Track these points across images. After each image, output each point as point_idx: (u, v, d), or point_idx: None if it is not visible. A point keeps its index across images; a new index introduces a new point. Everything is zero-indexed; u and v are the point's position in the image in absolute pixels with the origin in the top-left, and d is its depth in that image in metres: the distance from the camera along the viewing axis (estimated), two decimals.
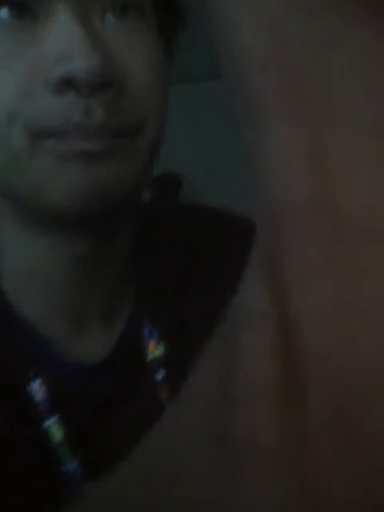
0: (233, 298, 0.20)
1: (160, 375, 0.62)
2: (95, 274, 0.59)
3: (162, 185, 1.97)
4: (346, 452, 0.16)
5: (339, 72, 0.15)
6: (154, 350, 0.62)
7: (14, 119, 0.51)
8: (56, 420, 0.57)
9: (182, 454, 0.20)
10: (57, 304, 0.59)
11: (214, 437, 0.19)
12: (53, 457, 0.57)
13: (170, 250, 0.66)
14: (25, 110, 0.51)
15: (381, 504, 0.15)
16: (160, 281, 0.64)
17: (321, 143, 0.15)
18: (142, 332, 0.62)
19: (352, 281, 0.15)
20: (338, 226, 0.15)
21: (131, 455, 0.23)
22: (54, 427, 0.57)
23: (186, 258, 0.66)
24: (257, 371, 0.18)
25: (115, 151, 0.52)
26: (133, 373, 0.61)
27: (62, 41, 0.50)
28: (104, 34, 0.52)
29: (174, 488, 0.19)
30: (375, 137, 0.14)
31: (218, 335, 0.20)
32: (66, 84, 0.49)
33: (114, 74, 0.51)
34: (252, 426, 0.18)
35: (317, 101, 0.15)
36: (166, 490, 0.19)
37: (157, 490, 0.20)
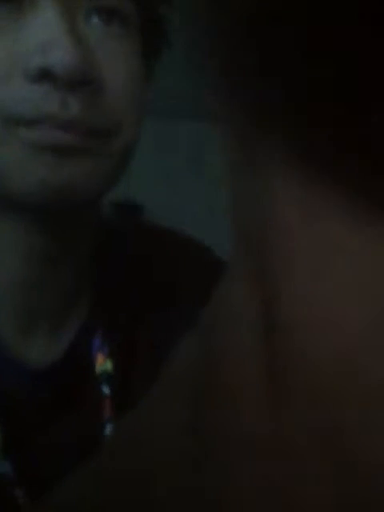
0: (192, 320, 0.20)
1: (106, 390, 0.62)
2: (50, 276, 0.59)
3: (124, 210, 1.97)
4: (332, 463, 0.16)
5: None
6: (103, 364, 0.62)
7: None
8: None
9: (155, 450, 0.19)
10: (7, 299, 0.59)
11: (188, 434, 0.18)
12: None
13: (129, 269, 0.67)
14: None
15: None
16: (115, 298, 0.65)
17: None
18: (92, 344, 0.62)
19: (344, 288, 0.15)
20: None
21: (100, 454, 0.22)
22: None
23: (144, 279, 0.67)
24: (237, 373, 0.17)
25: (87, 149, 0.52)
26: (79, 382, 0.61)
27: (44, 31, 0.50)
28: (87, 35, 0.53)
29: (148, 486, 0.19)
30: None
31: (195, 332, 0.20)
32: (44, 75, 0.50)
33: (92, 73, 0.52)
34: (228, 426, 0.17)
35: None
36: (138, 488, 0.19)
37: (129, 488, 0.19)
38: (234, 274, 0.18)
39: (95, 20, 0.54)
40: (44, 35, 0.50)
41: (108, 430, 0.62)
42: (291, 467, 0.16)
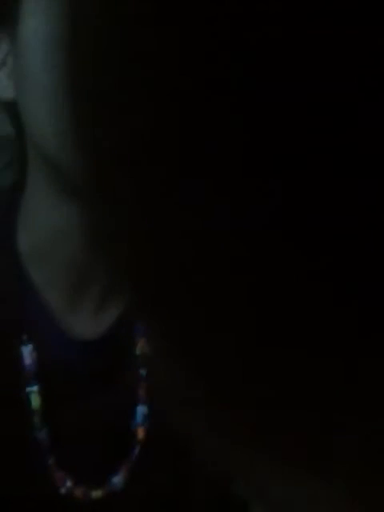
0: None
1: (144, 371, 0.65)
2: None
3: None
4: None
5: None
6: (143, 348, 0.65)
7: None
8: (38, 388, 0.60)
9: None
10: (63, 273, 0.62)
11: None
12: (28, 421, 0.60)
13: None
14: None
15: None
16: None
17: None
18: (133, 328, 0.65)
19: None
20: None
21: None
22: (34, 394, 0.60)
23: None
24: None
25: None
26: (119, 360, 0.64)
27: None
28: None
29: None
30: None
31: None
32: None
33: None
34: None
35: None
36: None
37: None
38: None
39: None
40: None
41: (140, 411, 0.65)
42: None
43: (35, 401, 0.60)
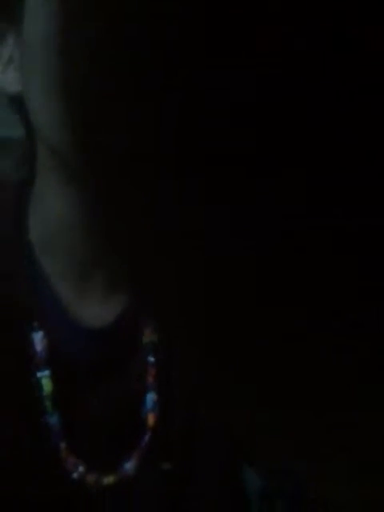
0: None
1: (151, 359, 0.66)
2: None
3: None
4: None
5: None
6: (150, 336, 0.66)
7: None
8: (49, 373, 0.61)
9: None
10: (72, 261, 0.63)
11: None
12: (40, 406, 0.61)
13: None
14: None
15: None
16: None
17: None
18: (140, 316, 0.66)
19: None
20: None
21: None
22: (45, 379, 0.61)
23: None
24: None
25: None
26: (127, 348, 0.65)
27: None
28: None
29: None
30: None
31: None
32: None
33: None
34: None
35: None
36: None
37: None
38: None
39: None
40: None
41: (149, 398, 0.65)
42: None
43: (47, 386, 0.61)
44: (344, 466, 0.14)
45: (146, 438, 0.66)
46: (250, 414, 0.15)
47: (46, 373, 0.61)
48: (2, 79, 0.60)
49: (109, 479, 0.65)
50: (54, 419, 0.62)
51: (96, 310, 0.65)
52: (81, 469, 0.63)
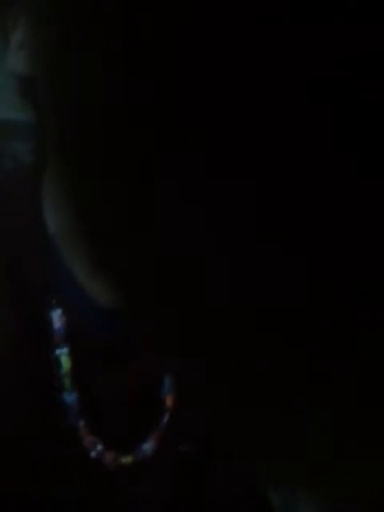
0: None
1: None
2: None
3: None
4: None
5: None
6: None
7: None
8: (67, 351, 0.62)
9: None
10: (83, 246, 0.63)
11: None
12: (58, 384, 0.62)
13: None
14: None
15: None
16: None
17: None
18: None
19: None
20: None
21: None
22: (64, 357, 0.62)
23: None
24: None
25: None
26: None
27: None
28: None
29: None
30: None
31: None
32: None
33: None
34: None
35: None
36: None
37: None
38: None
39: None
40: None
41: (167, 382, 0.66)
42: None
43: (65, 363, 0.62)
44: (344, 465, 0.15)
45: (165, 419, 0.66)
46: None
47: (65, 350, 0.62)
48: (14, 62, 0.60)
49: (127, 459, 0.65)
50: (72, 397, 0.62)
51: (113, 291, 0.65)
52: (99, 447, 0.64)
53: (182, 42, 0.11)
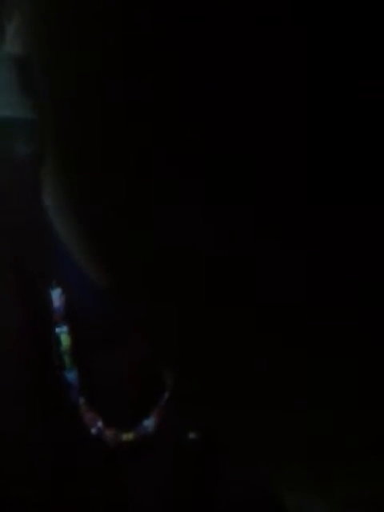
0: None
1: None
2: None
3: None
4: None
5: None
6: None
7: None
8: (67, 329, 0.62)
9: None
10: (82, 227, 0.63)
11: None
12: (58, 361, 0.62)
13: None
14: None
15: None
16: None
17: None
18: None
19: None
20: None
21: None
22: (64, 335, 0.62)
23: None
24: None
25: None
26: None
27: None
28: None
29: None
30: None
31: None
32: None
33: None
34: None
35: None
36: None
37: None
38: None
39: None
40: None
41: None
42: None
43: (65, 341, 0.62)
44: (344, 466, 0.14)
45: (165, 395, 0.66)
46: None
47: (65, 329, 0.62)
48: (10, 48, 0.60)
49: (128, 435, 0.66)
50: (72, 375, 0.63)
51: None
52: (99, 424, 0.64)
53: (183, 38, 0.11)
